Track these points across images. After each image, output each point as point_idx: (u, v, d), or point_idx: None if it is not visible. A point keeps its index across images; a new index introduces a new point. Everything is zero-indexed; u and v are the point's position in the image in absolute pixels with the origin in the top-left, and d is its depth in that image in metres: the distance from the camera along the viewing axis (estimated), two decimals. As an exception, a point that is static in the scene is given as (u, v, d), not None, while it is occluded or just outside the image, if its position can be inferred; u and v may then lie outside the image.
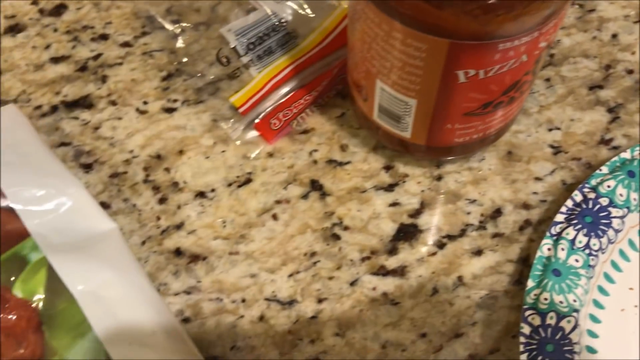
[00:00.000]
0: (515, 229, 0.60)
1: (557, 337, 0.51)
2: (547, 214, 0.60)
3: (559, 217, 0.57)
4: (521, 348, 0.51)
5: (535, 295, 0.53)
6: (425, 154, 0.60)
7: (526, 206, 0.61)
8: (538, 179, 0.63)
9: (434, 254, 0.59)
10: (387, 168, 0.63)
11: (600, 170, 0.60)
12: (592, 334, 0.54)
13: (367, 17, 0.48)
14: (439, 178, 0.63)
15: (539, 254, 0.55)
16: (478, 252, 0.59)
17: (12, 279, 0.51)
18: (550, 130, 0.65)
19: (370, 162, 0.63)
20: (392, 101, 0.54)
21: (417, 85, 0.50)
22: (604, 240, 0.56)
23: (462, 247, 0.59)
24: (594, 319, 0.55)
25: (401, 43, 0.47)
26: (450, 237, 0.60)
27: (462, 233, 0.60)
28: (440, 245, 0.60)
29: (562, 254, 0.55)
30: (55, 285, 0.51)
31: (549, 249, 0.56)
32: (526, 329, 0.52)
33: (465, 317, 0.56)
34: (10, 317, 0.49)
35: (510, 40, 0.45)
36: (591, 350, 0.53)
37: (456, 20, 0.43)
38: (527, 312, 0.53)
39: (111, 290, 0.51)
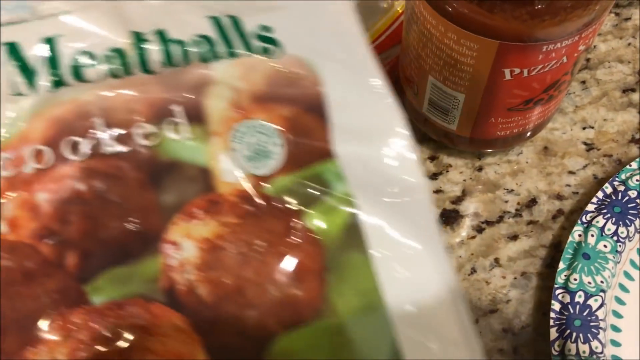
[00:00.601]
0: (549, 217, 0.62)
1: (585, 313, 0.53)
2: (578, 205, 0.62)
3: (590, 207, 0.58)
4: (551, 322, 0.53)
5: (565, 276, 0.55)
6: (469, 146, 0.62)
7: (559, 197, 0.63)
8: (571, 172, 0.65)
9: (473, 237, 0.61)
10: (432, 158, 0.65)
11: (630, 165, 0.61)
12: (617, 315, 0.55)
13: (425, 19, 0.50)
14: (480, 169, 0.65)
15: (570, 239, 0.57)
16: (514, 237, 0.61)
17: (311, 203, 0.41)
18: (584, 128, 0.67)
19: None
20: (442, 96, 0.56)
21: (467, 82, 0.53)
22: (632, 229, 0.57)
23: (499, 232, 0.62)
24: (619, 300, 0.56)
25: (455, 43, 0.49)
26: (489, 223, 0.62)
27: (500, 219, 0.62)
28: (479, 229, 0.62)
29: (591, 240, 0.57)
30: (353, 233, 0.41)
31: (579, 235, 0.57)
32: (556, 306, 0.54)
33: (500, 295, 0.58)
34: (295, 248, 0.40)
35: (553, 43, 0.47)
36: (615, 329, 0.54)
37: (506, 24, 0.45)
38: (558, 291, 0.55)
39: (418, 267, 0.41)
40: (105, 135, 0.42)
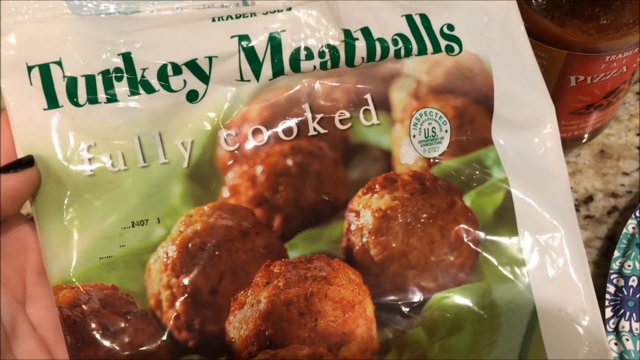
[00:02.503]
0: (604, 213, 0.62)
1: (638, 295, 0.54)
2: (632, 203, 0.62)
3: None
4: (606, 303, 0.54)
5: (620, 263, 0.57)
6: None
7: (614, 195, 0.63)
8: (625, 173, 0.65)
9: None
10: None
11: None
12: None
13: None
14: None
15: (624, 231, 0.57)
16: None
17: (470, 184, 0.46)
18: (638, 134, 0.66)
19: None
20: None
21: None
22: None
23: None
24: None
25: None
26: None
27: None
28: None
29: None
30: (504, 214, 0.45)
31: (633, 228, 0.58)
32: (611, 289, 0.55)
33: None
34: (454, 221, 0.45)
35: (615, 54, 0.48)
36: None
37: (574, 36, 0.45)
38: (613, 276, 0.56)
39: (557, 249, 0.45)
40: (311, 119, 0.44)
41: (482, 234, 0.44)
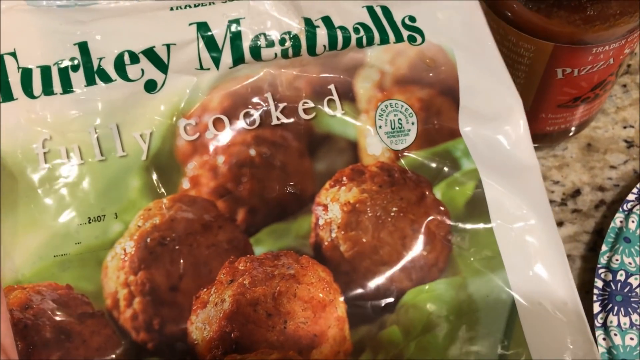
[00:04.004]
0: (592, 206, 0.61)
1: (626, 290, 0.53)
2: (619, 196, 0.61)
3: (631, 197, 0.57)
4: (595, 298, 0.52)
5: (607, 257, 0.55)
6: None
7: (602, 188, 0.62)
8: (613, 167, 0.63)
9: None
10: None
11: None
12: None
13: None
14: None
15: (612, 225, 0.56)
16: (559, 224, 0.60)
17: (440, 176, 0.44)
18: (625, 127, 0.66)
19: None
20: None
21: (522, 79, 0.51)
22: None
23: None
24: None
25: (514, 45, 0.48)
26: None
27: None
28: None
29: (632, 225, 0.55)
30: (476, 205, 0.43)
31: (621, 221, 0.57)
32: (599, 283, 0.54)
33: None
34: (425, 215, 0.42)
35: (602, 45, 0.47)
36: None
37: (561, 28, 0.45)
38: (601, 270, 0.54)
39: (532, 238, 0.43)
40: (273, 108, 0.42)
41: (454, 227, 0.42)
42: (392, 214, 0.42)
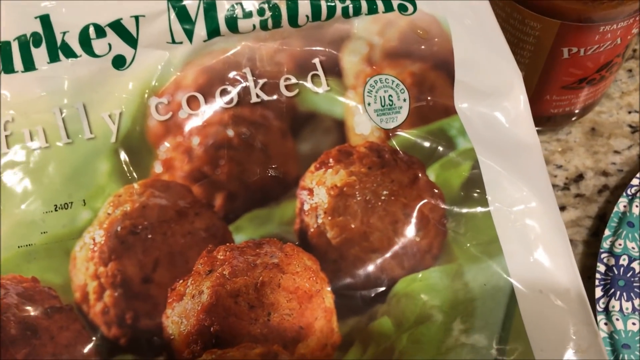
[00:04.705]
0: (595, 191, 0.60)
1: (628, 275, 0.52)
2: (623, 181, 0.60)
3: (635, 181, 0.56)
4: (597, 282, 0.51)
5: (610, 241, 0.54)
6: None
7: (605, 173, 0.61)
8: (617, 152, 0.62)
9: None
10: None
11: None
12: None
13: (491, 1, 0.46)
14: None
15: (615, 209, 0.55)
16: (562, 208, 0.58)
17: (434, 156, 0.41)
18: (629, 112, 0.64)
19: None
20: None
21: (527, 60, 0.50)
22: None
23: None
24: None
25: (519, 23, 0.47)
26: None
27: None
28: None
29: (636, 210, 0.54)
30: (473, 187, 0.40)
31: (624, 206, 0.55)
32: (602, 268, 0.53)
33: None
34: (417, 198, 0.39)
35: (609, 24, 0.45)
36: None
37: (568, 5, 0.44)
38: (603, 255, 0.54)
39: (533, 221, 0.40)
40: (253, 84, 0.39)
41: (449, 210, 0.40)
42: (383, 197, 0.40)
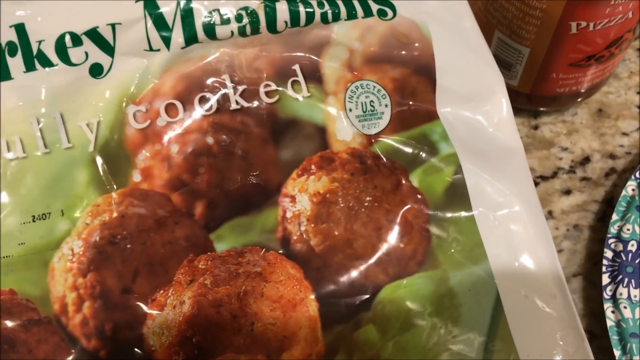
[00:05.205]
0: (602, 174, 0.59)
1: (637, 261, 0.51)
2: (631, 164, 0.58)
3: None
4: (604, 269, 0.50)
5: (618, 226, 0.53)
6: (527, 104, 0.58)
7: (612, 156, 0.60)
8: (625, 134, 0.61)
9: None
10: None
11: None
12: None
13: None
14: (536, 127, 0.60)
15: (624, 193, 0.53)
16: (567, 192, 0.58)
17: (417, 162, 0.41)
18: (638, 93, 0.63)
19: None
20: (507, 50, 0.51)
21: (533, 35, 0.48)
22: None
23: (553, 186, 0.57)
24: None
25: None
26: (543, 178, 0.58)
27: (554, 175, 0.58)
28: (534, 183, 0.61)
29: None
30: (456, 192, 0.40)
31: (633, 190, 0.54)
32: (609, 254, 0.51)
33: (555, 242, 0.53)
34: (401, 204, 0.39)
35: None
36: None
37: None
38: (611, 240, 0.52)
39: (517, 225, 0.40)
40: (232, 91, 0.39)
41: (433, 216, 0.39)
42: (366, 204, 0.39)
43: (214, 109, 0.39)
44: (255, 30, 0.39)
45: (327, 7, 0.40)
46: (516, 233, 0.40)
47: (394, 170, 0.40)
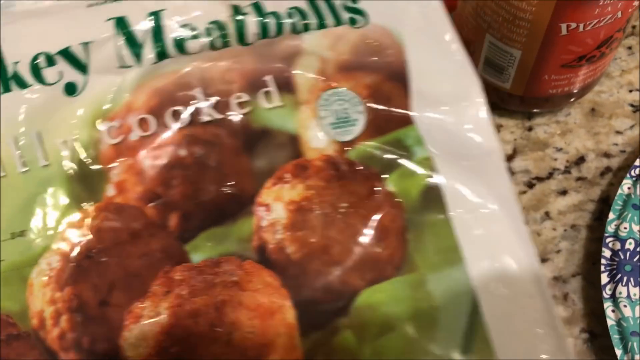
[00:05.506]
0: (597, 174, 0.58)
1: (635, 259, 0.50)
2: (626, 163, 0.58)
3: (638, 162, 0.54)
4: (602, 268, 0.50)
5: (615, 225, 0.52)
6: (520, 106, 0.58)
7: (607, 155, 0.59)
8: (618, 132, 0.60)
9: (524, 192, 0.57)
10: None
11: None
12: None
13: None
14: (530, 129, 0.60)
15: (619, 191, 0.53)
16: (563, 192, 0.57)
17: (392, 167, 0.41)
18: (630, 91, 0.62)
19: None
20: (498, 54, 0.51)
21: (524, 38, 0.48)
22: None
23: (549, 187, 0.57)
24: None
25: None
26: (539, 179, 0.58)
27: (550, 176, 0.58)
28: (530, 185, 0.57)
29: (639, 193, 0.52)
30: (432, 195, 0.40)
31: (628, 188, 0.54)
32: (607, 253, 0.51)
33: (551, 245, 0.54)
34: (377, 209, 0.39)
35: None
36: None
37: None
38: (608, 239, 0.52)
39: (494, 226, 0.40)
40: (204, 104, 0.40)
41: (409, 220, 0.39)
42: (342, 210, 0.39)
43: (186, 122, 0.39)
44: (226, 43, 0.40)
45: (297, 17, 0.40)
46: (494, 234, 0.39)
47: (370, 176, 0.40)
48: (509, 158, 0.57)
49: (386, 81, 0.42)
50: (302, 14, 0.41)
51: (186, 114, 0.39)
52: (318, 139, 0.40)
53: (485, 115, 0.42)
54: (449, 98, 0.41)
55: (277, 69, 0.41)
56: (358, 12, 0.42)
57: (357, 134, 0.41)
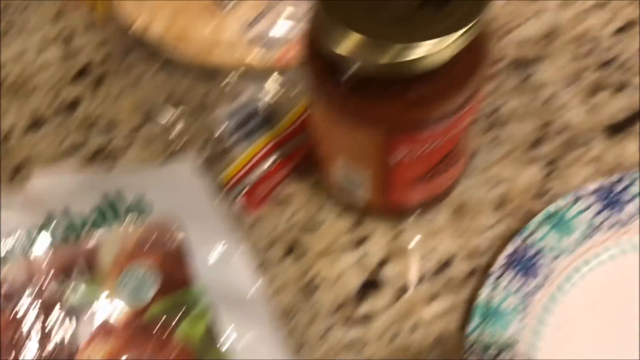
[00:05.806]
0: (463, 277, 0.58)
1: None
2: (492, 261, 0.58)
3: (495, 267, 0.55)
4: None
5: (477, 333, 0.53)
6: (385, 215, 0.59)
7: (472, 256, 0.59)
8: (484, 229, 0.60)
9: (396, 301, 0.58)
10: (356, 224, 0.62)
11: (534, 219, 0.57)
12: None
13: (318, 112, 0.50)
14: (400, 232, 0.61)
15: (478, 300, 0.54)
16: (432, 298, 0.57)
17: (181, 319, 0.51)
18: (496, 185, 0.62)
19: (340, 222, 0.62)
20: (352, 173, 0.53)
21: (370, 160, 0.50)
22: (537, 281, 0.54)
23: (418, 295, 0.59)
24: (534, 347, 0.54)
25: (353, 137, 0.48)
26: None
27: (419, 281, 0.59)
28: (399, 295, 0.60)
29: (498, 298, 0.54)
30: (211, 333, 0.51)
31: (487, 295, 0.55)
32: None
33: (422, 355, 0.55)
34: (169, 355, 0.50)
35: (434, 124, 0.45)
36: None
37: (385, 114, 0.44)
38: (472, 347, 0.53)
39: (262, 348, 0.51)
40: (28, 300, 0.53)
41: (197, 356, 0.48)
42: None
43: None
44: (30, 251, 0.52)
45: (89, 224, 0.55)
46: (261, 355, 0.49)
47: (162, 330, 0.50)
48: (379, 266, 0.60)
49: (171, 255, 0.55)
50: (95, 219, 0.55)
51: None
52: (118, 308, 0.53)
53: (241, 260, 0.55)
54: (218, 258, 0.55)
55: (84, 259, 0.55)
56: (143, 210, 0.56)
57: (150, 298, 0.52)
